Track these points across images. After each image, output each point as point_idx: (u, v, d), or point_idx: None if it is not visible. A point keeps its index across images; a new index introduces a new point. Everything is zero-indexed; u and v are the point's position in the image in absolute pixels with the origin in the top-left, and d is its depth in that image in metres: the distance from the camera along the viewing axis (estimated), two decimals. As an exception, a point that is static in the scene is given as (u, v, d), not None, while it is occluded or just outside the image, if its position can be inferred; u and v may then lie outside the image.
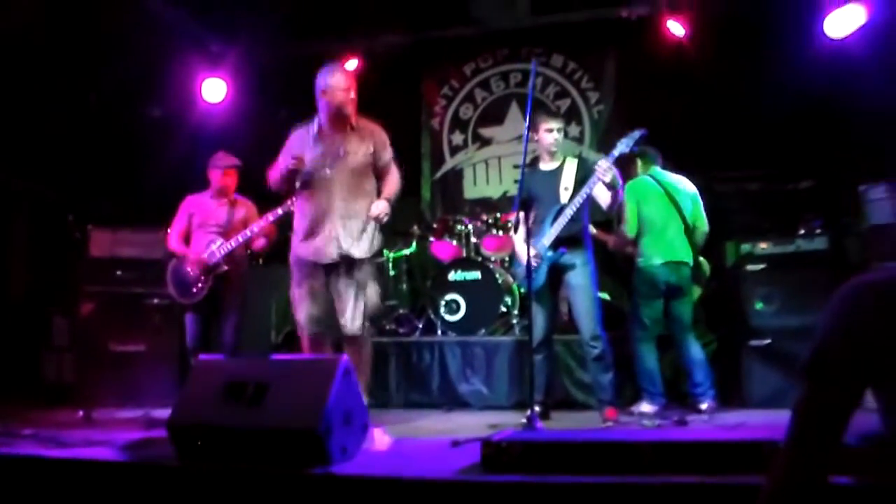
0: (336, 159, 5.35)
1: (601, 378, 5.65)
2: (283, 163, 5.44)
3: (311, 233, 5.37)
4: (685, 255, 6.12)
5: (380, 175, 5.50)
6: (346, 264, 5.30)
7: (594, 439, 3.49)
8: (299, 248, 5.43)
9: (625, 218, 6.19)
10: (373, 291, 5.41)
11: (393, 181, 5.51)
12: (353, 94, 5.38)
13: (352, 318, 5.28)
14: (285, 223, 6.19)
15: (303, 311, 5.41)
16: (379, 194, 5.45)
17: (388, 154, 5.54)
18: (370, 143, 5.44)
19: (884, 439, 1.77)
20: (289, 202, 5.86)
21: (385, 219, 5.34)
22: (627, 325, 6.35)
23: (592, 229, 6.20)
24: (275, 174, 5.50)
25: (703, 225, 6.29)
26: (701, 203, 6.32)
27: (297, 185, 5.45)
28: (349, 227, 5.31)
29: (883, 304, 1.68)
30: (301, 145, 5.48)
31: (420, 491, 3.30)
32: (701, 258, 6.24)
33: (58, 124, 8.41)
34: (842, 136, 7.64)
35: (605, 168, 5.47)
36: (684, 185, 6.30)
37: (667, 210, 6.16)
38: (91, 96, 8.63)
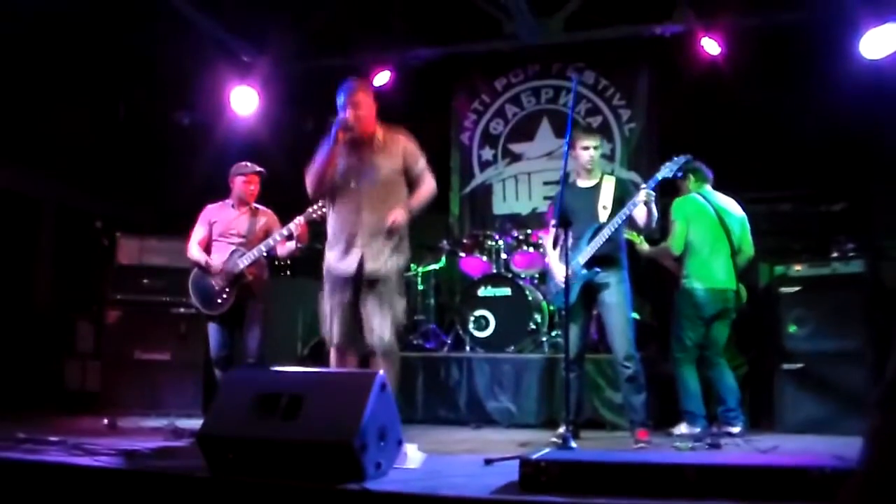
0: (361, 174, 5.26)
1: (633, 399, 5.56)
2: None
3: (339, 246, 5.30)
4: (730, 281, 6.05)
5: (413, 185, 5.40)
6: (374, 280, 5.22)
7: (636, 461, 3.42)
8: (329, 261, 5.37)
9: (673, 234, 6.11)
10: (399, 307, 5.33)
11: (423, 190, 5.40)
12: (358, 110, 5.23)
13: (379, 332, 5.20)
14: (314, 231, 6.15)
15: (330, 323, 5.34)
16: None
17: (419, 164, 5.41)
18: (399, 156, 5.35)
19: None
20: (317, 206, 5.81)
21: (396, 228, 5.19)
22: (666, 345, 6.27)
23: (633, 236, 6.11)
24: (312, 169, 5.30)
25: (749, 249, 6.21)
26: (748, 227, 6.23)
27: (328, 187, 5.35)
28: (376, 244, 5.22)
29: None
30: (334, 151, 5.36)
31: (457, 510, 3.24)
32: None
33: (88, 131, 8.42)
34: (876, 159, 7.55)
35: (644, 194, 5.42)
36: (733, 209, 6.22)
37: (716, 234, 6.08)
38: (120, 104, 8.65)
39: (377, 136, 5.35)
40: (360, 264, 5.20)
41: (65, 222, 9.06)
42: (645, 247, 6.32)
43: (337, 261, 5.30)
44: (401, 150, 5.36)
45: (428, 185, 5.43)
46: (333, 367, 5.39)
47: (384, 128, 5.41)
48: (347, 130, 5.23)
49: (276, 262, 6.80)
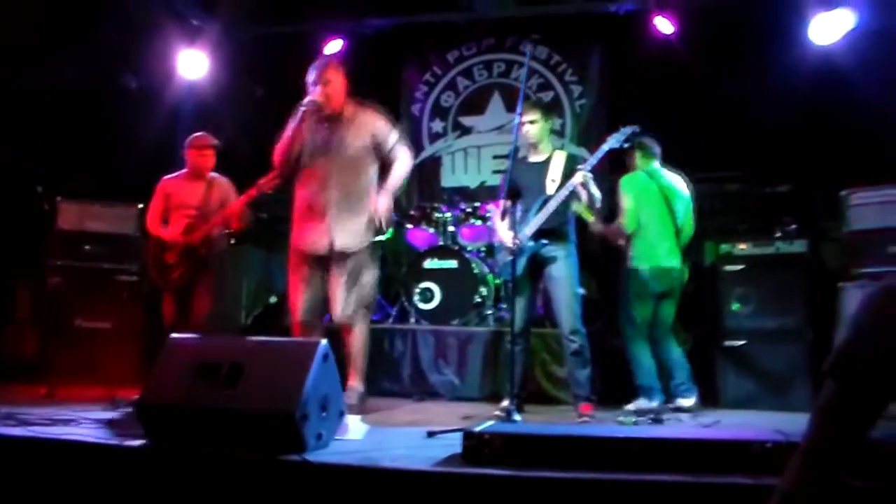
0: (329, 150, 5.32)
1: (578, 373, 5.57)
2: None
3: (308, 223, 5.35)
4: (674, 260, 6.07)
5: (387, 161, 5.47)
6: (344, 255, 5.28)
7: (579, 434, 3.43)
8: (296, 236, 5.42)
9: (623, 212, 6.11)
10: (368, 279, 5.40)
11: (398, 167, 5.47)
12: (328, 87, 5.31)
13: (343, 306, 5.27)
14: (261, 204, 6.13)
15: (296, 297, 5.39)
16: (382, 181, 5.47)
17: (391, 139, 5.48)
18: (367, 133, 5.41)
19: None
20: (262, 182, 5.81)
21: (385, 220, 5.31)
22: (612, 320, 6.30)
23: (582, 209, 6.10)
24: (279, 146, 5.41)
25: (690, 229, 6.25)
26: (692, 208, 6.28)
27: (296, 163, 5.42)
28: (344, 221, 5.29)
29: None
30: (304, 126, 5.42)
31: (399, 482, 3.22)
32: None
33: (30, 93, 8.19)
34: (822, 142, 7.64)
35: (580, 175, 5.43)
36: (680, 187, 6.24)
37: (661, 213, 6.10)
38: (64, 65, 8.42)
39: (346, 112, 5.40)
40: (327, 243, 5.26)
41: (5, 187, 8.82)
42: (598, 226, 6.31)
43: (303, 236, 5.37)
44: (370, 127, 5.43)
45: (403, 161, 5.51)
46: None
47: (354, 104, 5.47)
48: (315, 112, 5.28)
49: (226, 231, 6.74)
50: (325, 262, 5.32)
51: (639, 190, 6.14)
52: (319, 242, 5.28)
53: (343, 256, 5.27)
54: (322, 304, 5.40)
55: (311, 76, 5.33)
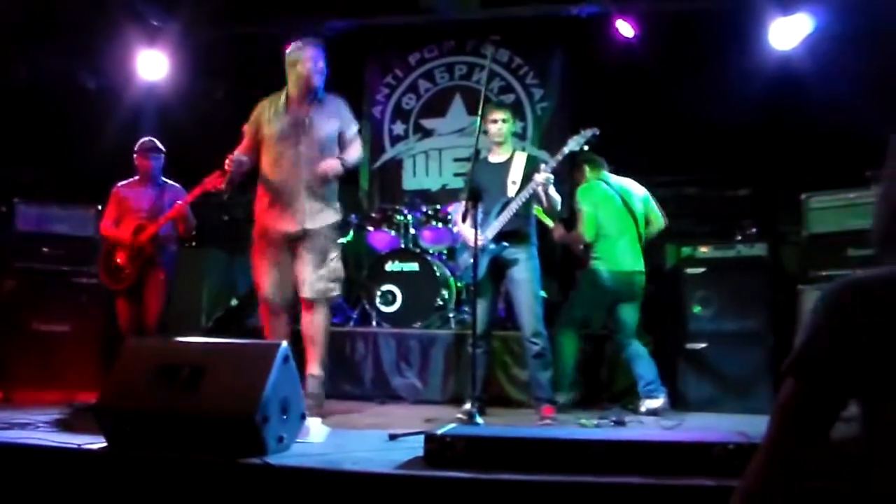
0: (302, 131, 5.39)
1: (540, 376, 5.58)
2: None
3: (277, 206, 5.42)
4: (637, 263, 6.13)
5: (344, 149, 5.55)
6: (311, 236, 5.37)
7: (541, 437, 3.43)
8: (263, 218, 5.48)
9: (582, 221, 6.13)
10: (334, 255, 5.48)
11: (353, 150, 5.58)
12: (321, 66, 5.43)
13: (312, 281, 5.33)
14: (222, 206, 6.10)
15: (264, 281, 5.45)
16: None
17: (353, 129, 5.64)
18: (337, 118, 5.52)
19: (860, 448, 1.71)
20: (207, 181, 5.84)
21: (332, 175, 5.38)
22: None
23: (541, 214, 6.13)
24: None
25: (658, 221, 6.34)
26: (652, 201, 6.34)
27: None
28: (314, 200, 5.39)
29: (873, 301, 1.62)
30: (262, 118, 5.52)
31: (360, 485, 3.20)
32: None
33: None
34: (782, 145, 7.71)
35: (543, 177, 5.44)
36: (635, 189, 6.31)
37: (622, 217, 6.16)
38: (21, 64, 8.31)
39: (319, 98, 5.48)
40: (299, 222, 5.35)
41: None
42: (558, 231, 6.36)
43: (272, 218, 5.44)
44: (338, 114, 5.55)
45: (357, 149, 5.64)
46: (266, 323, 5.53)
47: (325, 91, 5.56)
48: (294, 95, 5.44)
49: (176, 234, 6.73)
50: (293, 242, 5.39)
51: (596, 197, 6.19)
52: (291, 222, 5.36)
53: (312, 235, 5.36)
54: (290, 288, 5.45)
55: (303, 53, 5.41)
